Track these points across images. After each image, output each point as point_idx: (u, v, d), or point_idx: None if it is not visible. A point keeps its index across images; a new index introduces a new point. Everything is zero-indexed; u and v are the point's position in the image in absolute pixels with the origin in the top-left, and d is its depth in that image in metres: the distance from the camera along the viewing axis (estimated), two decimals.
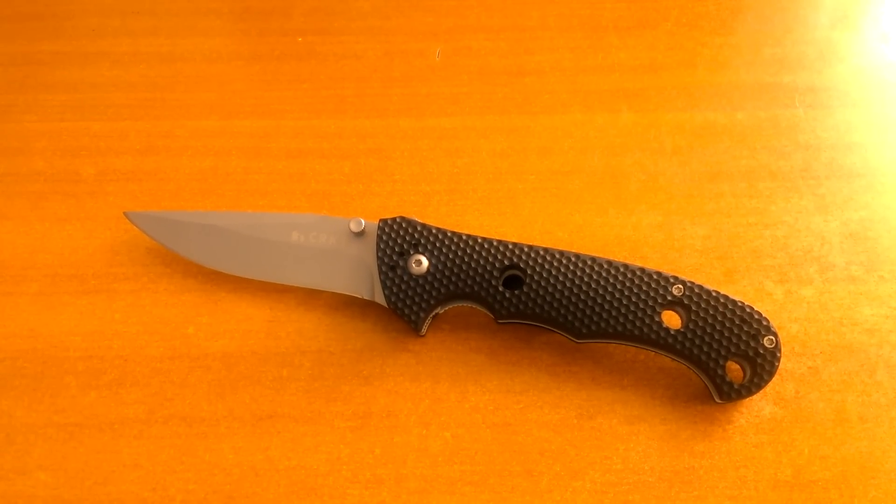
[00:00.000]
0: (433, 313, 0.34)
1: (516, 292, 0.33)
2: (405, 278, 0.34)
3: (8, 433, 0.34)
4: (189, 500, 0.32)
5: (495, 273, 0.34)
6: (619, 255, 0.39)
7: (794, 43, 0.50)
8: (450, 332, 0.36)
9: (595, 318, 0.33)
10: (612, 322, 0.33)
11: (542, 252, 0.34)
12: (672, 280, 0.33)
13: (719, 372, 0.32)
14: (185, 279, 0.38)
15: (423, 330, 0.35)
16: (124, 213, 0.38)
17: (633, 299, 0.33)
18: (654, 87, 0.47)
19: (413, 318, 0.34)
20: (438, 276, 0.34)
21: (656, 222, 0.41)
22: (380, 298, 0.34)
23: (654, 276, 0.33)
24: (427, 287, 0.34)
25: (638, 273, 0.33)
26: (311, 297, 0.38)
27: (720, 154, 0.44)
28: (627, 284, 0.33)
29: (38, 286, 0.38)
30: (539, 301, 0.33)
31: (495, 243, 0.34)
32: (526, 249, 0.34)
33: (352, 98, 0.47)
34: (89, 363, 0.36)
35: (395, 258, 0.34)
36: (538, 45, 0.50)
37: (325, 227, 0.36)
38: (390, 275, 0.34)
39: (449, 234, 0.34)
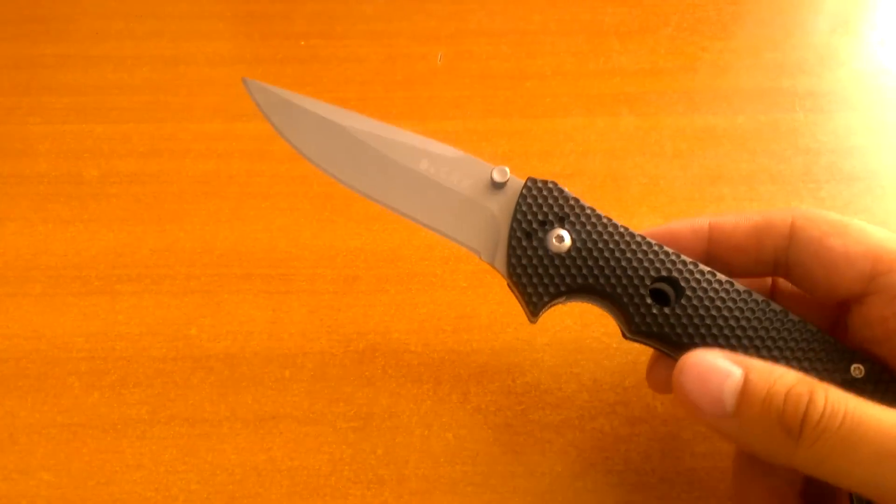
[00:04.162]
0: (556, 302, 0.29)
1: (665, 309, 0.28)
2: (539, 252, 0.29)
3: (11, 433, 0.34)
4: (192, 500, 0.32)
5: (646, 281, 0.28)
6: None
7: (793, 48, 0.50)
8: (451, 333, 0.37)
9: None
10: None
11: (708, 273, 0.28)
12: (855, 357, 0.27)
13: None
14: (187, 281, 0.39)
15: (538, 316, 0.29)
16: (242, 80, 0.33)
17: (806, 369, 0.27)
18: (655, 91, 0.47)
19: (534, 300, 0.29)
20: (579, 261, 0.28)
21: (657, 225, 0.41)
22: (500, 265, 0.29)
23: (837, 351, 0.27)
24: (562, 271, 0.28)
25: (821, 342, 0.27)
26: (313, 298, 0.38)
27: (721, 157, 0.44)
28: (805, 349, 0.27)
29: (41, 287, 0.39)
30: (690, 329, 0.28)
31: (654, 246, 0.28)
32: (690, 265, 0.28)
33: (354, 101, 0.47)
34: (92, 364, 0.36)
35: (534, 226, 0.29)
36: (539, 49, 0.50)
37: (461, 167, 0.31)
38: (523, 243, 0.29)
39: (604, 220, 0.29)
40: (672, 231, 0.30)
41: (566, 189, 0.30)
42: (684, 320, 0.28)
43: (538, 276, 0.29)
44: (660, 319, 0.28)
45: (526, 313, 0.29)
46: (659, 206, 0.42)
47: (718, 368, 0.25)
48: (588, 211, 0.29)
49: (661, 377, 0.30)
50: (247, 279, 0.38)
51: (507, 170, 0.30)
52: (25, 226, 0.41)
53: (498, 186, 0.30)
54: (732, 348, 0.27)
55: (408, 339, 0.36)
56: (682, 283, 0.28)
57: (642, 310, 0.28)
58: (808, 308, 0.30)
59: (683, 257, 0.28)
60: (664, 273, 0.28)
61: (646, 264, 0.28)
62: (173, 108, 0.47)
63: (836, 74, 0.49)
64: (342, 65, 0.49)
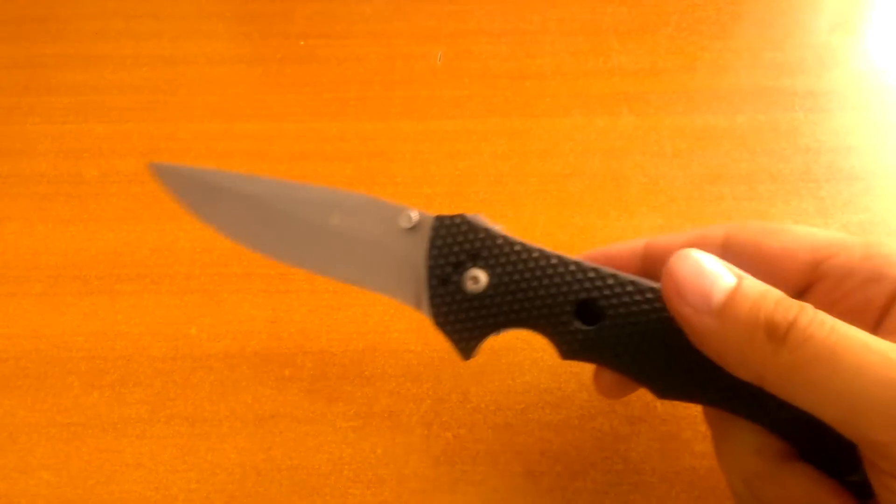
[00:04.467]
0: (486, 339, 0.29)
1: (591, 329, 0.27)
2: (458, 297, 0.28)
3: (11, 432, 0.34)
4: (191, 500, 0.32)
5: (567, 307, 0.27)
6: None
7: (793, 47, 0.50)
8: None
9: (687, 376, 0.26)
10: (706, 384, 0.26)
11: (629, 286, 0.27)
12: None
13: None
14: (187, 280, 0.39)
15: (473, 354, 0.29)
16: (149, 165, 0.32)
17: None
18: (655, 91, 0.47)
19: (462, 344, 0.28)
20: (498, 298, 0.27)
21: (657, 224, 0.41)
22: (426, 312, 0.29)
23: None
24: (483, 311, 0.28)
25: None
26: (313, 297, 0.38)
27: (720, 157, 0.44)
28: None
29: (41, 287, 0.39)
30: (618, 345, 0.27)
31: (572, 267, 0.27)
32: (610, 280, 0.27)
33: (353, 101, 0.47)
34: (92, 363, 0.36)
35: (448, 269, 0.28)
36: (539, 48, 0.50)
37: (372, 213, 0.30)
38: (440, 290, 0.28)
39: (517, 247, 0.28)
40: (608, 253, 0.30)
41: (478, 218, 0.28)
42: (611, 340, 0.27)
43: (461, 322, 0.28)
44: (587, 343, 0.27)
45: (459, 355, 0.29)
46: (659, 205, 0.42)
47: (716, 266, 0.24)
48: (500, 241, 0.28)
49: (610, 381, 0.29)
50: (246, 279, 0.38)
51: (414, 214, 0.29)
52: (25, 225, 0.41)
53: (411, 230, 0.29)
54: (661, 363, 0.26)
55: (407, 339, 0.36)
56: (603, 302, 0.27)
57: (568, 336, 0.27)
58: None
59: (605, 272, 0.27)
60: (583, 295, 0.27)
61: (564, 288, 0.27)
62: (173, 107, 0.47)
63: (836, 74, 0.49)
64: (341, 64, 0.49)
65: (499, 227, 0.28)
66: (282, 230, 0.30)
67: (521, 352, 0.36)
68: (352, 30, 0.52)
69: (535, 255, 0.27)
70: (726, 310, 0.23)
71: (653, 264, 0.29)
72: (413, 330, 0.36)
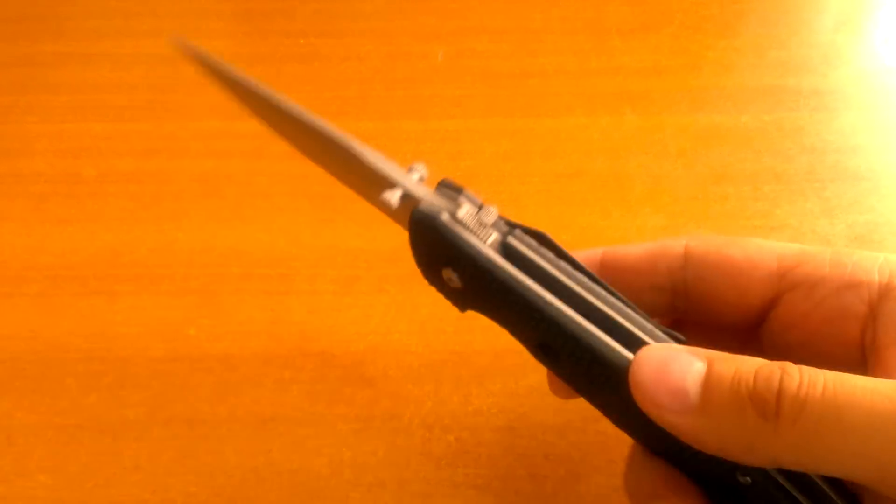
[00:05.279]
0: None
1: (552, 363, 0.26)
2: (438, 283, 0.27)
3: (8, 434, 0.34)
4: (190, 503, 0.32)
5: (531, 341, 0.26)
6: None
7: (798, 46, 0.50)
8: (453, 334, 0.36)
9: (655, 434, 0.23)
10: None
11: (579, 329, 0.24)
12: None
13: None
14: (186, 281, 0.38)
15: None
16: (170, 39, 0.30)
17: None
18: (659, 90, 0.47)
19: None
20: (472, 295, 0.27)
21: (661, 225, 0.40)
22: None
23: None
24: (462, 297, 0.27)
25: None
26: (313, 298, 0.37)
27: (725, 157, 0.44)
28: None
29: (38, 287, 0.38)
30: (574, 383, 0.26)
31: (531, 295, 0.25)
32: (564, 321, 0.24)
33: (354, 100, 0.47)
34: (90, 365, 0.36)
35: (426, 259, 0.27)
36: (542, 47, 0.50)
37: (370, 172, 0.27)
38: (426, 271, 0.27)
39: (483, 261, 0.25)
40: None
41: (452, 228, 0.25)
42: (565, 377, 0.26)
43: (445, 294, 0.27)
44: (553, 370, 0.26)
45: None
46: (663, 205, 0.41)
47: (680, 359, 0.22)
48: (470, 251, 0.25)
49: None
50: (246, 279, 0.38)
51: (394, 199, 0.26)
52: (23, 225, 0.41)
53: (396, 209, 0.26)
54: (614, 409, 0.25)
55: (408, 340, 0.36)
56: (557, 348, 0.25)
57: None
58: (716, 336, 0.28)
59: (560, 312, 0.24)
60: (539, 338, 0.26)
61: (521, 326, 0.26)
62: (171, 106, 0.46)
63: (841, 73, 0.48)
64: (342, 63, 0.49)
65: (493, 207, 0.26)
66: (300, 133, 0.29)
67: (524, 354, 0.35)
68: (353, 28, 0.51)
69: (501, 274, 0.25)
70: (707, 402, 0.21)
71: (609, 271, 0.28)
72: (414, 332, 0.36)
